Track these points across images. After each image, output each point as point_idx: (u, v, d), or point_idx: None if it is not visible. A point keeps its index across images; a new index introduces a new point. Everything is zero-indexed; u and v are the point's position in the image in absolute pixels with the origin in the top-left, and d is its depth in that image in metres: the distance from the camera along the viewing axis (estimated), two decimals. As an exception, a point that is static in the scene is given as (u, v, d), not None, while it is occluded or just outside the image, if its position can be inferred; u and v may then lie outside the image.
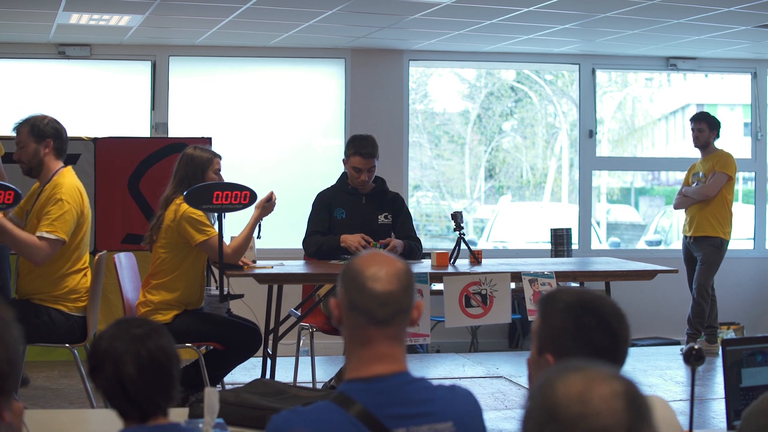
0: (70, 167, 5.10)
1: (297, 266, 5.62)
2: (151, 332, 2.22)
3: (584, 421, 1.44)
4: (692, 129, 7.74)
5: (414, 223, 6.06)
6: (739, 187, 10.48)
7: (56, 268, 4.96)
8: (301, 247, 5.85)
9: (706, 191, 7.57)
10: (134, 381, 2.17)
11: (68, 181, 4.97)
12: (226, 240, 5.19)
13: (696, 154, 7.90)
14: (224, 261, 5.08)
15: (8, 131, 5.31)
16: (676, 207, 7.95)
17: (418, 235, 6.00)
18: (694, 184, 7.71)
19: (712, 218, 7.59)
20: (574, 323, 2.04)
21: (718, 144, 7.75)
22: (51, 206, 4.88)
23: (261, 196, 5.21)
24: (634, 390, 1.49)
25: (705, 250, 7.58)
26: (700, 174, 7.69)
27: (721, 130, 7.72)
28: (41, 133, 4.98)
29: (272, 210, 5.26)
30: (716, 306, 7.74)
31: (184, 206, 5.04)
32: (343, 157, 5.91)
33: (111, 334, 2.22)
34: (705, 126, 7.66)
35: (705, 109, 8.90)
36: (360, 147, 5.76)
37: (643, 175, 14.55)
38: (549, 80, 13.57)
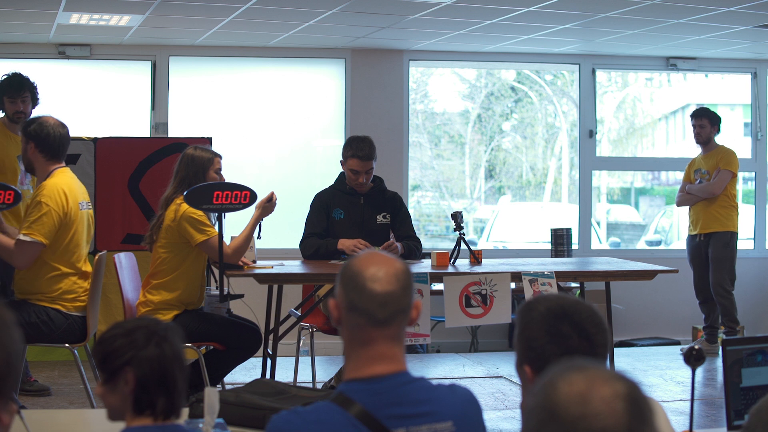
0: (65, 168, 5.09)
1: (297, 266, 5.61)
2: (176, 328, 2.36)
3: (584, 422, 1.44)
4: (693, 125, 7.72)
5: (414, 222, 6.05)
6: (740, 187, 10.48)
7: (47, 270, 4.97)
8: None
9: (712, 189, 7.55)
10: (175, 374, 2.23)
11: (53, 183, 4.98)
12: (226, 240, 5.19)
13: (696, 152, 7.90)
14: (224, 261, 5.08)
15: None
16: (679, 204, 7.93)
17: (417, 235, 5.99)
18: (698, 181, 7.69)
19: (718, 214, 7.58)
20: (550, 331, 2.04)
21: (718, 139, 7.75)
22: (32, 209, 4.92)
23: (261, 196, 5.21)
24: (636, 391, 1.48)
25: (714, 246, 7.57)
26: (703, 170, 7.67)
27: (721, 125, 7.71)
28: (26, 135, 5.03)
29: (273, 210, 5.26)
30: (718, 306, 7.73)
31: (185, 206, 5.04)
32: (340, 158, 5.90)
33: (152, 328, 2.27)
34: (706, 122, 7.65)
35: (705, 109, 8.89)
36: (357, 149, 5.74)
37: (643, 175, 14.54)
38: (549, 80, 13.57)
